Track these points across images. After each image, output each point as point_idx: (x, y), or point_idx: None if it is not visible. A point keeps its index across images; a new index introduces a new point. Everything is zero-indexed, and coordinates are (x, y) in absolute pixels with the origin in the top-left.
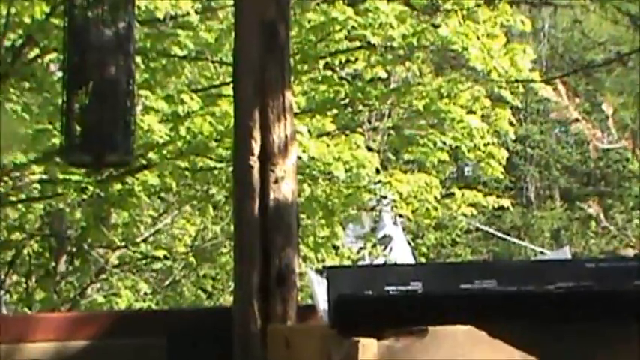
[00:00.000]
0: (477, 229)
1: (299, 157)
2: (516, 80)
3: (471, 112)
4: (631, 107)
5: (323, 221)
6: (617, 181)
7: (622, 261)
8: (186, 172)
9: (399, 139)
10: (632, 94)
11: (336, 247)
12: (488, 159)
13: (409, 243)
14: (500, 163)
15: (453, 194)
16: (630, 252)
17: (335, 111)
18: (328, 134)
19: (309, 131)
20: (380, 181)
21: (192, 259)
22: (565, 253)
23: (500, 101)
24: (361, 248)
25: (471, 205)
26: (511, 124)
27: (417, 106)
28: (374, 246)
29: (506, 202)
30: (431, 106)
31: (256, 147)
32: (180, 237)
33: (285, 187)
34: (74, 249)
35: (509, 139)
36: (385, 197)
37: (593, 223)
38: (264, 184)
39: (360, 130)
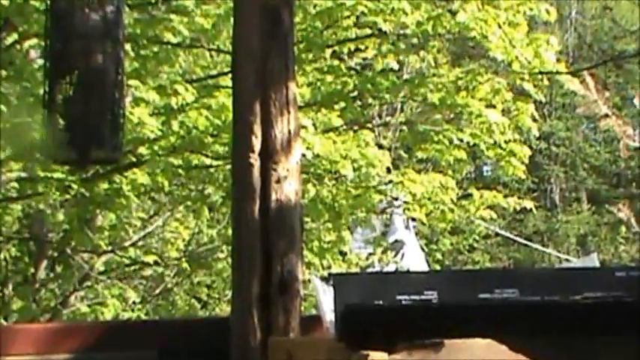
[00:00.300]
0: (497, 234)
1: (303, 155)
2: (540, 72)
3: (490, 106)
4: None
5: (329, 224)
6: None
7: None
8: (180, 170)
9: (412, 135)
10: None
11: (343, 253)
12: (509, 157)
13: (422, 249)
14: (522, 162)
15: (470, 195)
16: None
17: (342, 104)
18: (335, 129)
19: (314, 126)
20: (391, 181)
21: (185, 265)
22: (593, 260)
23: (523, 95)
24: (370, 254)
25: (489, 207)
26: (534, 119)
27: (431, 100)
28: (384, 252)
29: (528, 204)
30: (447, 99)
31: (257, 143)
32: (173, 241)
33: (288, 187)
34: (56, 254)
35: (532, 136)
36: (397, 199)
37: (623, 229)
38: (265, 184)
39: (369, 125)
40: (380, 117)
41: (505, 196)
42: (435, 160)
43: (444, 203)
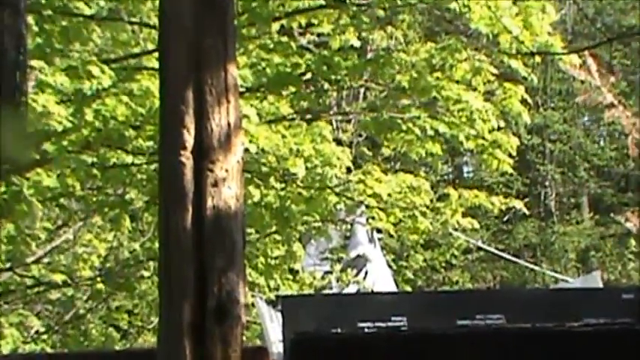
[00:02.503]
0: (479, 249)
1: (246, 151)
2: (532, 53)
3: (471, 89)
4: None
5: (277, 236)
6: None
7: None
8: (95, 170)
9: (376, 124)
10: None
11: (293, 271)
12: (492, 148)
13: (390, 266)
14: (510, 155)
15: (446, 196)
16: None
17: (293, 90)
18: (284, 120)
19: (258, 116)
20: (350, 182)
21: (101, 286)
22: (595, 280)
23: (511, 77)
24: (327, 272)
25: (470, 214)
26: (525, 103)
27: (399, 83)
28: (344, 269)
29: (517, 204)
30: (418, 81)
31: (189, 138)
32: (86, 257)
33: (227, 191)
34: None
35: (522, 126)
36: (360, 204)
37: (632, 242)
38: (199, 187)
39: (325, 115)
40: (339, 106)
41: (488, 197)
42: (404, 157)
43: (415, 208)
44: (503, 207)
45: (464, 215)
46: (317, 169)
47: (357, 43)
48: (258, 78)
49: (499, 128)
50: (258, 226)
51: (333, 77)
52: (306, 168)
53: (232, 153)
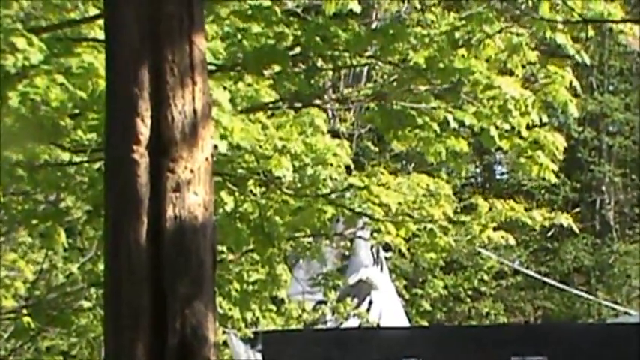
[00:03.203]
0: (516, 272)
1: (216, 147)
2: (584, 20)
3: (505, 71)
4: None
5: (256, 255)
6: None
7: None
8: (20, 171)
9: (384, 116)
10: None
11: (277, 300)
12: (533, 150)
13: (400, 294)
14: (554, 160)
15: (474, 207)
16: None
17: (277, 68)
18: (265, 108)
19: (232, 103)
20: (351, 186)
21: (28, 320)
22: None
23: (556, 55)
24: (320, 302)
25: (503, 227)
26: (574, 93)
27: (414, 61)
28: (342, 299)
29: (564, 219)
30: (438, 60)
31: (144, 129)
32: (9, 282)
33: (193, 198)
34: None
35: (570, 118)
36: (362, 214)
37: None
38: (156, 193)
39: (319, 102)
40: (336, 89)
41: (528, 209)
42: (419, 155)
43: (433, 220)
44: (547, 223)
45: (496, 229)
46: (308, 170)
47: (358, 9)
48: (233, 53)
49: (542, 123)
50: (232, 242)
51: (328, 53)
52: (294, 169)
53: (199, 149)
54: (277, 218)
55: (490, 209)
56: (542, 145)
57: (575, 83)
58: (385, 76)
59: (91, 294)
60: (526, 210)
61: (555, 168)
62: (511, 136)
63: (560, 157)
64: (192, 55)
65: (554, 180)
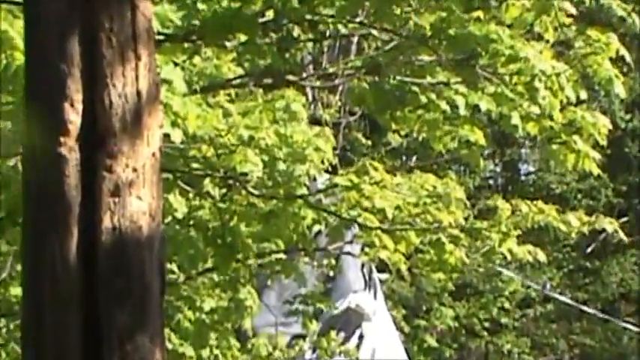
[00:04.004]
0: (547, 299)
1: (166, 138)
2: None
3: (532, 38)
4: None
5: (214, 275)
6: None
7: None
8: None
9: (378, 95)
10: None
11: (242, 333)
12: (567, 135)
13: (399, 327)
14: (597, 147)
15: (492, 211)
16: None
17: (243, 38)
18: (228, 87)
19: (187, 82)
20: (336, 186)
21: None
22: None
23: (598, 22)
24: (297, 337)
25: (531, 240)
26: (621, 68)
27: (417, 27)
28: (324, 332)
29: (608, 224)
30: (447, 26)
31: (74, 116)
32: None
33: (136, 204)
34: None
35: (615, 102)
36: (351, 222)
37: None
38: (90, 197)
39: (296, 80)
40: (317, 65)
41: (561, 211)
42: (423, 147)
43: (440, 229)
44: (586, 229)
45: (521, 241)
46: (281, 165)
47: None
48: (187, 20)
49: (579, 102)
50: (184, 258)
51: (308, 17)
52: (264, 164)
53: (144, 142)
54: (242, 226)
55: (513, 212)
56: (580, 129)
57: (625, 54)
58: (379, 46)
59: (1, 325)
60: (559, 213)
61: (597, 157)
62: (540, 119)
63: (604, 142)
64: (135, 23)
65: (596, 171)
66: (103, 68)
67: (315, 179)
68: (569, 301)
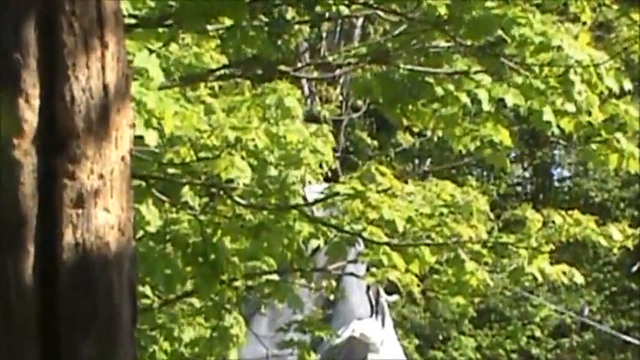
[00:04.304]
0: (585, 326)
1: (139, 140)
2: None
3: (565, 21)
4: None
5: (195, 300)
6: None
7: None
8: None
9: (386, 87)
10: None
11: None
12: (608, 133)
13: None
14: None
15: (520, 223)
16: None
17: (227, 22)
18: (211, 80)
19: (165, 73)
20: (337, 194)
21: None
22: None
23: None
24: None
25: (566, 259)
26: None
27: (430, 9)
28: None
29: None
30: (465, 8)
31: (31, 115)
32: None
33: (103, 217)
34: None
35: None
36: (355, 237)
37: None
38: (49, 209)
39: (290, 70)
40: (314, 52)
41: (601, 223)
42: (439, 150)
43: (459, 244)
44: (630, 243)
45: (554, 260)
46: (272, 171)
47: None
48: (163, 3)
49: (622, 94)
50: (159, 279)
51: None
52: (253, 170)
53: (112, 144)
54: (228, 242)
55: (544, 223)
56: (623, 124)
57: None
58: (386, 30)
59: None
60: (598, 225)
61: None
62: (576, 116)
63: None
64: (100, 5)
65: None
66: (64, 58)
67: (310, 184)
68: (609, 330)
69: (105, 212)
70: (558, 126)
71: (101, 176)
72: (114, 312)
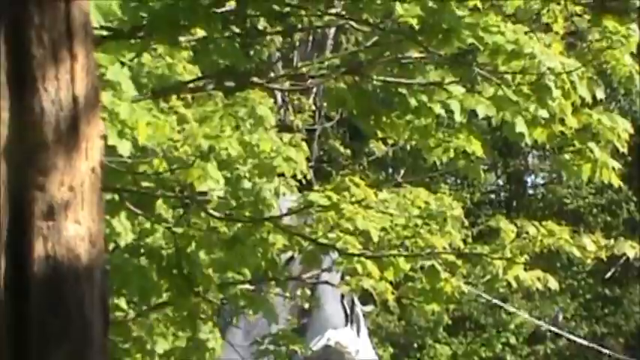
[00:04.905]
0: (557, 336)
1: (111, 149)
2: None
3: (537, 29)
4: None
5: (169, 311)
6: None
7: None
8: None
9: (359, 98)
10: None
11: None
12: (582, 143)
13: None
14: (617, 155)
15: (494, 232)
16: None
17: (200, 32)
18: (184, 91)
19: (136, 84)
20: (311, 205)
21: None
22: None
23: (615, 11)
24: None
25: (541, 265)
26: None
27: (403, 18)
28: None
29: (629, 249)
30: (438, 17)
31: None
32: None
33: (74, 229)
34: None
35: (637, 101)
36: (329, 248)
37: None
38: (19, 222)
39: (263, 81)
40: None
41: (576, 231)
42: (413, 158)
43: (434, 254)
44: (604, 254)
45: (529, 266)
46: (245, 182)
47: None
48: (134, 12)
49: (595, 103)
50: (133, 292)
51: (276, 7)
52: (226, 181)
53: (82, 155)
54: (202, 254)
55: (517, 234)
56: (597, 133)
57: None
58: (359, 40)
59: None
60: (572, 235)
61: (618, 167)
62: (548, 125)
63: (624, 148)
64: (69, 17)
65: (616, 183)
66: (33, 70)
67: (284, 195)
68: (581, 341)
69: (75, 224)
70: (531, 135)
71: (71, 188)
72: (85, 324)
